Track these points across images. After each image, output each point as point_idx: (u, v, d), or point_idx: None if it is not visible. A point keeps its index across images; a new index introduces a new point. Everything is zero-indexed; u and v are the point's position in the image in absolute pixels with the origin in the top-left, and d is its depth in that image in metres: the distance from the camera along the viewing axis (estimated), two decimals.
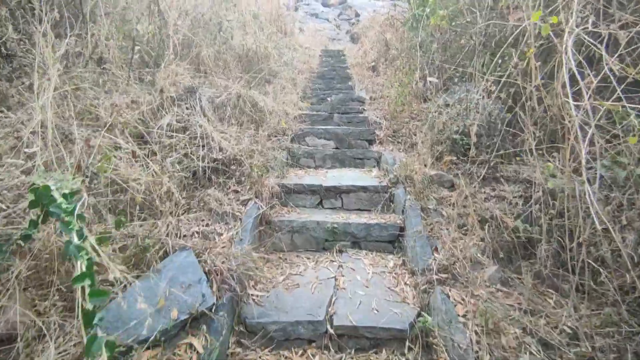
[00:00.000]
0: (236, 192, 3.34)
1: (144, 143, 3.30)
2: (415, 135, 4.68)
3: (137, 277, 2.14)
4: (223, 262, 2.40)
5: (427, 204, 3.39)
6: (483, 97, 4.63)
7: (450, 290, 2.47)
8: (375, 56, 8.66)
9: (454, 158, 4.09)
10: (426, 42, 6.85)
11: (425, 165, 3.89)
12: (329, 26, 14.63)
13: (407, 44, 7.98)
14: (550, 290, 2.74)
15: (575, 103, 2.59)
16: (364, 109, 5.81)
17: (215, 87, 4.64)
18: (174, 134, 3.48)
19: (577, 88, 2.64)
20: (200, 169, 3.33)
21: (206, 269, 2.34)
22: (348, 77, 8.23)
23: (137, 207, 2.55)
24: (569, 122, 2.68)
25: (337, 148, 4.72)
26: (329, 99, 6.23)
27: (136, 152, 2.86)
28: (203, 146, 3.49)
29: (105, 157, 2.16)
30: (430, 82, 5.46)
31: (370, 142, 4.77)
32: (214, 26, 6.63)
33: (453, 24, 5.26)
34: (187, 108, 3.91)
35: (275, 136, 4.51)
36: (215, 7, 6.67)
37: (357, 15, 15.31)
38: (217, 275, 2.33)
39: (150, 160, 3.16)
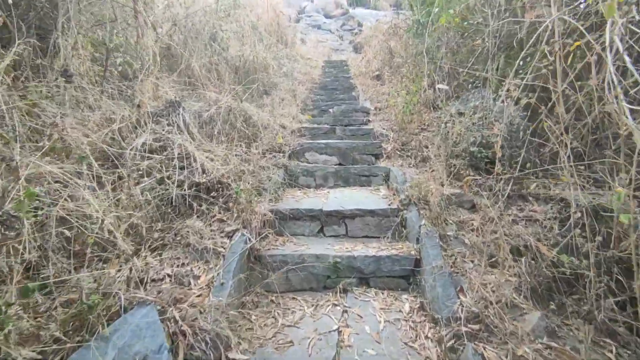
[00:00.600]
0: (221, 221, 2.83)
1: (114, 167, 2.82)
2: (426, 148, 4.14)
3: (77, 346, 1.62)
4: (194, 320, 1.88)
5: (446, 230, 2.84)
6: (503, 103, 4.10)
7: (485, 349, 1.91)
8: (379, 65, 8.19)
9: (473, 173, 3.55)
10: (433, 48, 6.37)
11: (442, 184, 3.35)
12: (332, 37, 14.26)
13: (412, 50, 7.50)
14: (607, 340, 2.17)
15: (631, 107, 2.05)
16: (368, 120, 5.30)
17: (204, 100, 4.18)
18: (151, 155, 2.99)
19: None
20: (180, 195, 2.83)
21: (172, 329, 1.82)
22: (351, 87, 7.75)
23: (89, 249, 2.04)
24: (625, 129, 2.14)
25: (340, 164, 4.20)
26: (331, 110, 5.74)
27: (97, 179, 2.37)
28: (183, 168, 3.00)
29: (27, 194, 1.66)
30: (439, 89, 4.94)
31: (377, 156, 4.24)
32: (207, 36, 6.23)
33: (465, 23, 4.76)
34: (168, 124, 3.44)
35: (271, 153, 4.01)
36: (208, 16, 6.28)
37: (360, 25, 14.93)
38: (186, 337, 1.81)
39: (120, 188, 2.67)
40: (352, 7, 16.94)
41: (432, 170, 3.73)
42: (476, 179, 3.51)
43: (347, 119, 5.37)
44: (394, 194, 3.44)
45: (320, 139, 4.57)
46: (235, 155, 3.55)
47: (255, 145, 3.89)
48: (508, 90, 3.70)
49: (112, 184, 2.64)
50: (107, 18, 3.81)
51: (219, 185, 3.02)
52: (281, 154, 4.00)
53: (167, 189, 2.79)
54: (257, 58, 6.68)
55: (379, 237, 3.03)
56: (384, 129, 4.73)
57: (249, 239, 2.65)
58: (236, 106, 4.16)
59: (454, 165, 3.63)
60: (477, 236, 2.76)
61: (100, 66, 3.52)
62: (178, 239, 2.58)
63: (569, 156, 2.93)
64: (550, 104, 3.39)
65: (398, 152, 4.20)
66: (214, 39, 6.34)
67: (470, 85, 5.29)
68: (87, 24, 3.57)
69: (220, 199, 2.96)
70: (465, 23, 5.00)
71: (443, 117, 4.74)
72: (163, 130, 3.31)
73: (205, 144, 3.48)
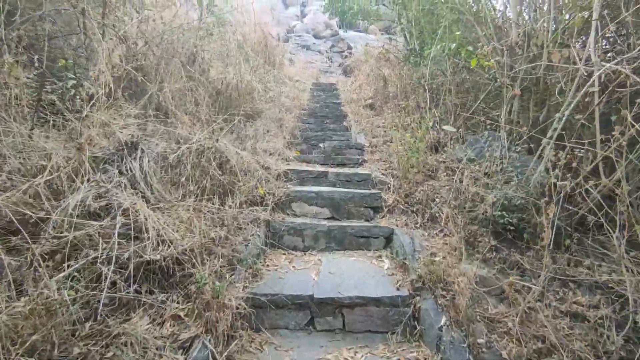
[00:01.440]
0: (177, 318, 2.04)
1: (33, 238, 2.01)
2: (434, 201, 3.47)
3: None
4: None
5: (474, 332, 2.14)
6: (518, 153, 3.49)
7: None
8: (372, 92, 7.60)
9: (494, 242, 2.88)
10: (432, 79, 5.82)
11: (460, 258, 2.66)
12: (321, 58, 13.73)
13: (407, 80, 6.96)
14: None
15: None
16: (364, 160, 4.62)
17: (173, 137, 3.41)
18: (85, 222, 2.20)
19: None
20: (119, 278, 2.04)
21: None
22: (342, 115, 7.10)
23: None
24: None
25: (332, 217, 3.48)
26: (321, 144, 5.05)
27: None
28: (132, 239, 2.21)
29: None
30: (444, 130, 4.32)
31: (376, 209, 3.54)
32: (185, 57, 5.48)
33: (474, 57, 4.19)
34: (120, 173, 2.66)
35: (251, 205, 3.26)
36: (189, 34, 5.55)
37: (350, 48, 14.48)
38: None
39: (33, 275, 1.87)
40: (342, 29, 16.53)
41: (444, 235, 3.05)
42: (498, 249, 2.84)
43: (339, 157, 4.68)
44: (401, 268, 2.73)
45: (309, 186, 3.84)
46: (207, 212, 2.78)
47: (232, 197, 3.13)
48: (541, 147, 3.10)
49: (17, 271, 1.84)
50: (46, 32, 3.01)
51: (179, 266, 2.25)
52: (264, 206, 3.25)
53: (102, 273, 1.99)
54: (242, 81, 5.96)
55: (385, 333, 2.30)
56: (382, 173, 4.05)
57: (212, 352, 1.87)
58: (211, 145, 3.41)
59: (472, 231, 2.96)
60: (516, 346, 2.07)
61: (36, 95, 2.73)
62: (108, 354, 1.78)
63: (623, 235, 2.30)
64: (592, 165, 2.79)
65: (401, 206, 3.51)
66: (194, 60, 5.60)
67: (478, 126, 4.71)
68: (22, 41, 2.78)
69: (179, 286, 2.18)
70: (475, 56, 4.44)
71: (450, 163, 4.11)
72: (111, 182, 2.52)
73: (167, 202, 2.70)
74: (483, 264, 2.69)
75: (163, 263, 2.18)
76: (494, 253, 2.79)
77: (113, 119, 3.36)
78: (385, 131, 5.66)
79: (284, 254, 3.02)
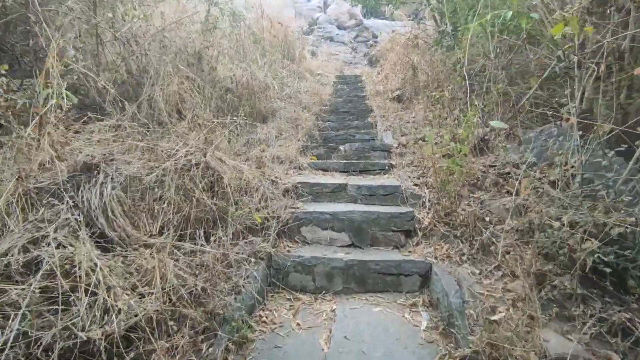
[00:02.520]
0: None
1: None
2: (484, 221, 2.60)
3: None
4: None
5: None
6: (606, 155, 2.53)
7: None
8: (400, 83, 6.65)
9: (582, 290, 1.99)
10: (474, 65, 4.83)
11: (531, 317, 1.81)
12: (345, 49, 12.77)
13: (439, 66, 5.96)
14: None
15: None
16: (391, 165, 3.77)
17: (154, 153, 2.74)
18: (7, 281, 1.56)
19: None
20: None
21: None
22: (367, 110, 6.23)
23: None
24: None
25: (352, 244, 2.69)
26: (342, 147, 4.23)
27: None
28: (71, 304, 1.55)
29: None
30: (491, 126, 3.38)
31: (408, 233, 2.72)
32: (190, 56, 4.84)
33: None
34: (74, 206, 2.01)
35: (250, 232, 2.53)
36: (193, 28, 4.88)
37: (375, 37, 13.40)
38: None
39: None
40: (367, 17, 15.44)
41: (503, 275, 2.19)
42: (587, 299, 1.95)
43: (362, 162, 3.85)
44: (444, 330, 1.92)
45: (324, 203, 3.06)
46: (184, 254, 2.09)
47: (224, 226, 2.41)
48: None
49: None
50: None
51: (130, 344, 1.57)
52: (263, 236, 2.51)
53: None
54: (254, 79, 5.24)
55: None
56: (415, 183, 3.20)
57: None
58: (200, 160, 2.71)
59: (542, 270, 2.08)
60: None
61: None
62: None
63: None
64: None
65: (440, 229, 2.66)
66: (199, 58, 4.94)
67: (533, 120, 3.72)
68: None
69: None
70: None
71: (500, 168, 3.19)
72: (57, 219, 1.87)
73: (133, 241, 2.03)
74: (568, 325, 1.81)
75: (104, 344, 1.50)
76: (581, 306, 1.90)
77: (88, 134, 2.74)
78: (415, 128, 4.76)
79: (289, 298, 2.28)
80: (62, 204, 1.94)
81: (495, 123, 3.03)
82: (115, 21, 4.19)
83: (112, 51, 4.15)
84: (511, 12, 2.51)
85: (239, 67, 5.64)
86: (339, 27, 14.83)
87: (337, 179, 3.47)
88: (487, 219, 2.65)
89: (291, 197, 3.01)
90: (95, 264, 1.69)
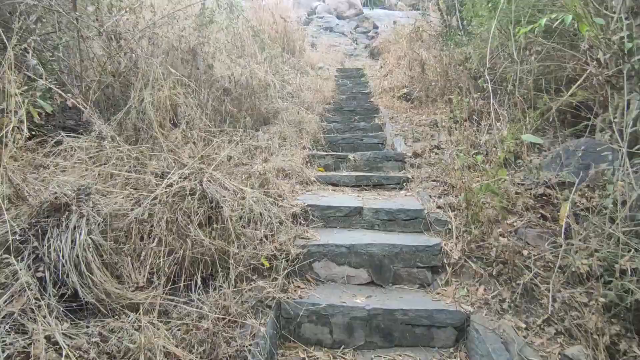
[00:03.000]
0: None
1: None
2: (521, 255, 2.22)
3: None
4: None
5: None
6: None
7: None
8: (407, 80, 6.18)
9: None
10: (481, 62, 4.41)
11: None
12: (345, 40, 12.18)
13: (447, 61, 5.51)
14: None
15: None
16: (407, 180, 3.36)
17: (142, 178, 2.32)
18: None
19: None
20: None
21: None
22: (373, 109, 5.79)
23: None
24: None
25: (372, 282, 2.31)
26: (350, 156, 3.79)
27: None
28: None
29: None
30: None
31: (435, 270, 2.33)
32: (184, 53, 4.35)
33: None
34: (35, 260, 1.59)
35: (255, 273, 2.14)
36: (186, 23, 4.36)
37: (376, 27, 12.81)
38: None
39: None
40: (367, 7, 14.78)
41: (557, 334, 1.81)
42: None
43: (375, 175, 3.44)
44: None
45: (337, 229, 2.66)
46: (176, 319, 1.69)
47: (223, 271, 2.01)
48: None
49: None
50: None
51: None
52: (271, 279, 2.12)
53: None
54: (253, 77, 4.76)
55: None
56: (438, 205, 2.79)
57: None
58: (195, 186, 2.29)
59: (607, 331, 1.71)
60: None
61: None
62: None
63: None
64: None
65: (472, 265, 2.28)
66: (194, 55, 4.45)
67: (562, 126, 3.32)
68: None
69: None
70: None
71: (531, 185, 2.79)
72: (12, 284, 1.46)
73: (115, 300, 1.62)
74: None
75: None
76: None
77: (61, 158, 2.30)
78: (429, 133, 4.34)
79: (303, 358, 1.90)
80: (21, 261, 1.52)
81: (528, 137, 2.64)
82: (100, 14, 3.69)
83: (98, 48, 3.68)
84: (571, 17, 2.07)
85: (238, 64, 5.16)
86: (338, 17, 14.18)
87: (349, 197, 3.06)
88: (525, 252, 2.28)
89: (300, 224, 2.60)
90: (60, 350, 1.28)
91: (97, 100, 3.39)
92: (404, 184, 3.32)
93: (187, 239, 2.02)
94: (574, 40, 3.36)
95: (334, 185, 3.36)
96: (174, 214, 2.07)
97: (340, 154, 3.83)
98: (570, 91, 2.94)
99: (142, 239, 2.03)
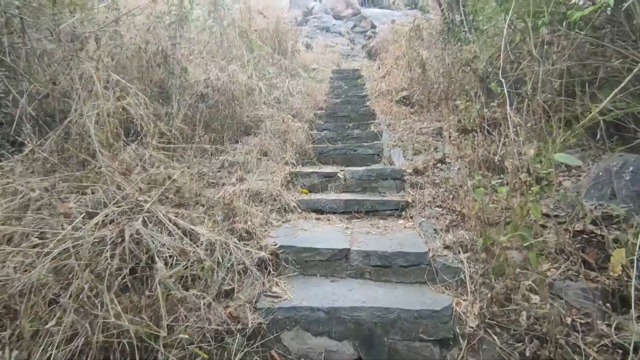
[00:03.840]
0: None
1: None
2: (564, 322, 1.58)
3: None
4: None
5: None
6: None
7: None
8: (406, 82, 5.52)
9: None
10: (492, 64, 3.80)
11: None
12: (342, 41, 11.50)
13: (455, 63, 4.86)
14: None
15: None
16: (407, 205, 2.71)
17: (49, 224, 1.68)
18: None
19: None
20: None
21: None
22: (369, 114, 5.14)
23: None
24: None
25: None
26: (340, 174, 3.14)
27: None
28: None
29: None
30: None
31: (445, 344, 1.69)
32: (153, 56, 3.72)
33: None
34: None
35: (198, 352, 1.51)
36: (156, 22, 3.71)
37: (374, 27, 12.12)
38: None
39: None
40: (364, 6, 14.08)
41: None
42: None
43: (368, 200, 2.77)
44: None
45: (316, 278, 2.01)
46: None
47: None
48: None
49: None
50: None
51: None
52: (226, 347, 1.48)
53: None
54: (232, 82, 4.12)
55: None
56: (445, 244, 2.13)
57: None
58: (136, 228, 1.65)
59: None
60: None
61: None
62: None
63: None
64: None
65: (495, 339, 1.63)
66: (165, 58, 3.82)
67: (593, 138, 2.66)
68: None
69: None
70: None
71: (559, 212, 2.14)
72: None
73: None
74: None
75: None
76: None
77: None
78: (432, 144, 3.69)
79: None
80: None
81: (561, 157, 2.00)
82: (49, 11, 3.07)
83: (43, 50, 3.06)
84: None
85: (220, 66, 4.52)
86: (335, 17, 13.50)
87: (335, 230, 2.42)
88: (568, 318, 1.64)
89: (270, 272, 1.96)
90: None
91: (38, 112, 2.78)
92: (403, 210, 2.68)
93: (96, 316, 1.38)
94: (616, 34, 2.70)
95: (318, 212, 2.72)
96: (81, 280, 1.44)
97: (328, 171, 3.16)
98: (612, 96, 2.28)
99: (35, 315, 1.40)
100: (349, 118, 5.15)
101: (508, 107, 2.69)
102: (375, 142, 4.18)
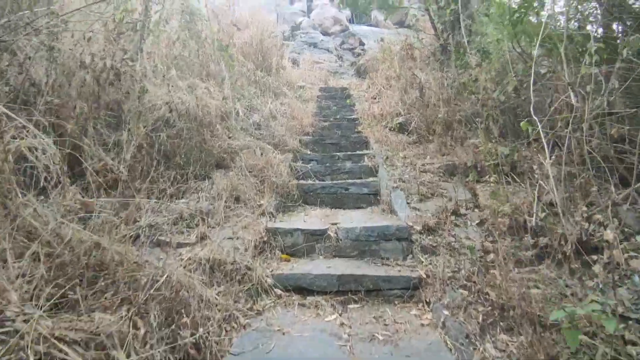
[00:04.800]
0: None
1: None
2: None
3: None
4: None
5: None
6: None
7: None
8: (402, 106, 4.87)
9: None
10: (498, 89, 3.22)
11: None
12: (329, 57, 10.91)
13: (449, 82, 4.27)
14: None
15: None
16: (420, 281, 1.99)
17: None
18: None
19: None
20: None
21: None
22: (361, 142, 4.46)
23: None
24: None
25: None
26: (331, 232, 2.38)
27: None
28: None
29: None
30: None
31: None
32: (102, 73, 2.95)
33: None
34: None
35: None
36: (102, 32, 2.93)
37: (362, 44, 11.62)
38: None
39: None
40: (353, 23, 13.60)
41: None
42: None
43: (369, 277, 2.03)
44: None
45: None
46: None
47: None
48: None
49: None
50: None
51: None
52: None
53: None
54: (201, 107, 3.36)
55: None
56: (482, 355, 1.43)
57: None
58: None
59: None
60: None
61: None
62: None
63: None
64: None
65: None
66: (117, 76, 3.04)
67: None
68: None
69: None
70: None
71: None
72: None
73: None
74: None
75: None
76: None
77: None
78: (442, 186, 3.01)
79: None
80: None
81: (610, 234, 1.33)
82: None
83: None
84: None
85: (195, 86, 3.78)
86: (323, 33, 12.94)
87: (326, 326, 1.67)
88: None
89: None
90: None
91: None
92: (416, 290, 1.96)
93: None
94: None
95: (303, 292, 1.96)
96: None
97: (315, 228, 2.40)
98: None
99: None
100: (339, 146, 4.45)
101: (547, 155, 2.04)
102: (371, 178, 3.49)
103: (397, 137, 4.22)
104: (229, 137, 3.65)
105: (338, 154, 4.11)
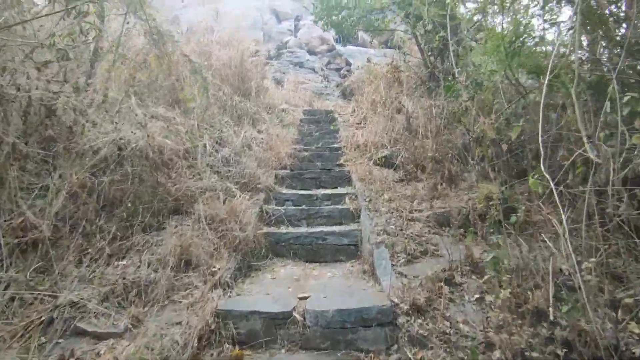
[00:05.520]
0: None
1: None
2: None
3: None
4: None
5: None
6: None
7: None
8: (387, 136, 4.45)
9: None
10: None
11: None
12: (315, 77, 10.58)
13: (438, 112, 3.90)
14: None
15: None
16: None
17: None
18: None
19: None
20: None
21: None
22: (343, 178, 4.01)
23: None
24: None
25: None
26: (298, 314, 1.89)
27: None
28: None
29: None
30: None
31: None
32: (26, 107, 2.45)
33: None
34: None
35: None
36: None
37: (349, 64, 11.36)
38: None
39: None
40: (340, 43, 13.39)
41: None
42: None
43: None
44: None
45: None
46: None
47: None
48: None
49: None
50: None
51: None
52: None
53: None
54: (152, 145, 2.86)
55: None
56: None
57: None
58: None
59: None
60: None
61: None
62: None
63: None
64: None
65: None
66: (51, 109, 2.55)
67: None
68: None
69: None
70: None
71: None
72: None
73: None
74: None
75: None
76: None
77: None
78: (433, 241, 2.55)
79: None
80: None
81: None
82: None
83: None
84: None
85: (154, 116, 3.30)
86: (309, 52, 12.68)
87: None
88: None
89: None
90: None
91: None
92: None
93: None
94: None
95: None
96: None
97: (276, 310, 1.89)
98: None
99: None
100: (319, 181, 3.99)
101: (564, 223, 1.62)
102: (352, 225, 3.03)
103: (382, 173, 3.78)
104: (191, 177, 3.15)
105: (317, 192, 3.65)
